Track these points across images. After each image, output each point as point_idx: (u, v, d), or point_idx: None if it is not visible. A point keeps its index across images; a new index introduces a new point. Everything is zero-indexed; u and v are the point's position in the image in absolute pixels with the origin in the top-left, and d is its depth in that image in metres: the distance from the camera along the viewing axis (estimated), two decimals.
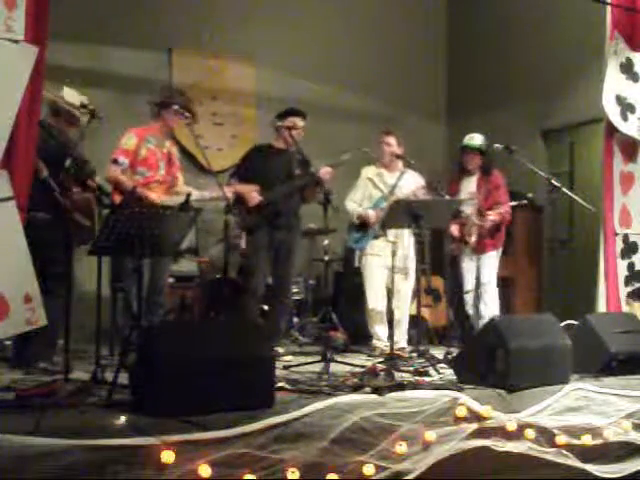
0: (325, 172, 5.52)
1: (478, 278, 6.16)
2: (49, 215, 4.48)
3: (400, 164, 6.01)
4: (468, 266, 6.21)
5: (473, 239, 6.08)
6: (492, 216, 6.03)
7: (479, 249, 6.14)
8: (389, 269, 5.70)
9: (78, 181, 4.73)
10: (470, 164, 6.21)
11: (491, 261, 6.19)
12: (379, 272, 5.89)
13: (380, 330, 5.92)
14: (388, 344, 5.55)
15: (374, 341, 5.96)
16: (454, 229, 6.15)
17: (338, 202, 5.48)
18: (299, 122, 5.71)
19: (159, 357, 3.19)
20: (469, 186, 6.22)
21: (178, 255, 6.26)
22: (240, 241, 6.30)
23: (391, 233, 5.73)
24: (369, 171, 6.10)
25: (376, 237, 5.83)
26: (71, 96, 4.80)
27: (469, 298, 6.23)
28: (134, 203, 4.76)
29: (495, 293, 6.19)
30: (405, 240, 5.83)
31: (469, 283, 6.21)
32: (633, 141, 5.76)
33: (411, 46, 8.80)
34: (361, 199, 6.05)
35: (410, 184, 5.94)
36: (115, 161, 5.13)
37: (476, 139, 6.21)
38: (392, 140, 6.01)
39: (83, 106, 4.55)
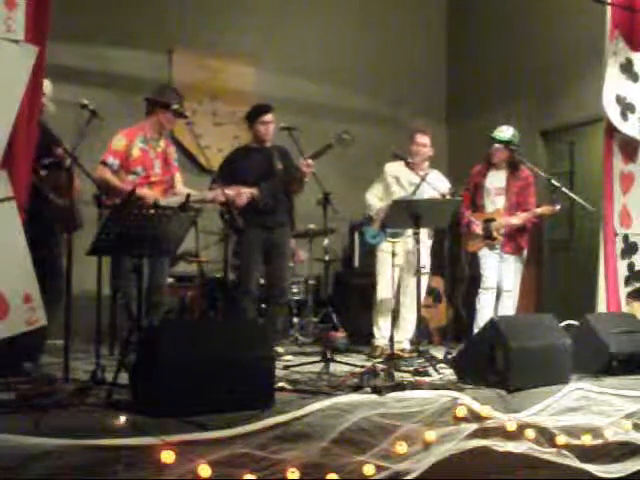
0: (306, 165, 5.48)
1: (500, 281, 5.91)
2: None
3: (426, 164, 5.91)
4: (491, 264, 5.90)
5: (501, 237, 5.86)
6: (534, 212, 5.83)
7: (507, 249, 5.91)
8: (400, 268, 5.68)
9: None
10: (495, 157, 5.93)
11: (517, 266, 5.98)
12: (391, 268, 5.79)
13: (383, 324, 5.90)
14: (388, 340, 5.55)
15: (375, 332, 5.93)
16: (476, 226, 5.91)
17: (337, 203, 5.47)
18: (268, 117, 5.75)
19: (159, 357, 3.18)
20: (495, 181, 5.99)
21: (174, 259, 6.21)
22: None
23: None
24: (395, 169, 5.99)
25: (394, 235, 5.63)
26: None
27: (485, 296, 5.89)
28: (133, 203, 4.71)
29: (515, 301, 5.98)
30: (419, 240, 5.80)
31: (491, 281, 5.89)
32: (633, 141, 5.77)
33: (411, 46, 8.82)
34: (382, 194, 6.02)
35: (439, 186, 5.70)
36: (104, 162, 5.08)
37: (504, 132, 5.88)
38: (427, 140, 5.94)
39: (83, 106, 4.53)
